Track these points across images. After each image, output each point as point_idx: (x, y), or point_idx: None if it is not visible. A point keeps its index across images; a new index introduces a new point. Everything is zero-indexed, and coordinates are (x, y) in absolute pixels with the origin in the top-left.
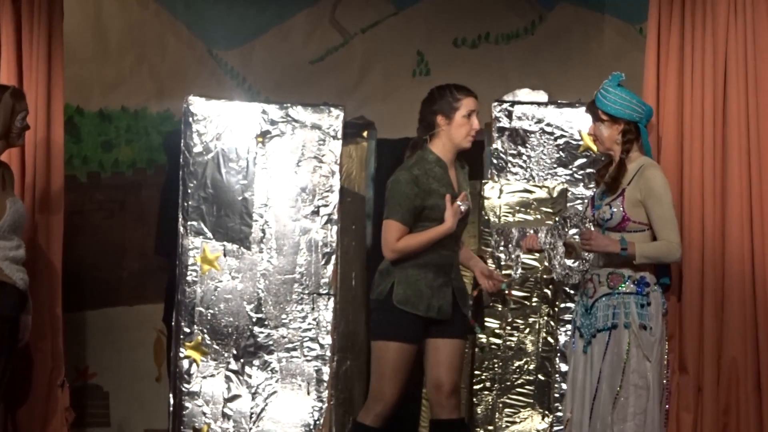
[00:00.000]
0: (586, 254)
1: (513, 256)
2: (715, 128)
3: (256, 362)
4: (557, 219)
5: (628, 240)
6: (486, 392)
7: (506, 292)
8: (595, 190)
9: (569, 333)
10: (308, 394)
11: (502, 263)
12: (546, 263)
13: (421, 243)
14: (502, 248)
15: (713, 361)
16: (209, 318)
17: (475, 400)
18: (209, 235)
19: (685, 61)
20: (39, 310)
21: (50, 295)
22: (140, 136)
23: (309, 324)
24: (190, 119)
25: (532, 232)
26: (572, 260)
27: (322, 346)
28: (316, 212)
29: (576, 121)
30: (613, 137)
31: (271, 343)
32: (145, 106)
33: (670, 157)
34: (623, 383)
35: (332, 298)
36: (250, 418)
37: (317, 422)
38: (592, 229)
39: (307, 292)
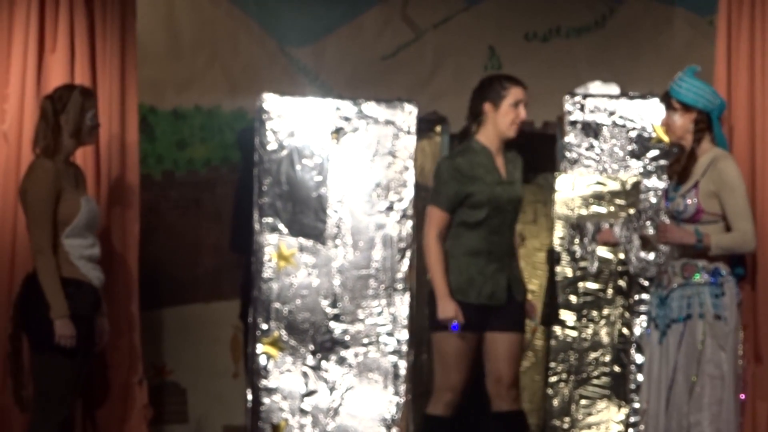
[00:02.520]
0: (662, 246)
1: (588, 249)
2: None
3: (333, 357)
4: (632, 212)
5: (703, 232)
6: (562, 384)
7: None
8: (668, 182)
9: (644, 324)
10: (385, 388)
11: (577, 257)
12: (622, 256)
13: (431, 269)
14: (577, 242)
15: None
16: (286, 314)
17: (550, 392)
18: (284, 231)
19: (756, 53)
20: (115, 308)
21: (127, 293)
22: (214, 135)
23: (385, 319)
24: (264, 116)
25: (607, 225)
26: (648, 253)
27: (398, 341)
28: (390, 208)
29: (648, 113)
30: (685, 126)
31: (347, 338)
32: (218, 105)
33: (742, 148)
34: (699, 373)
35: (408, 293)
36: (328, 413)
37: (395, 417)
38: (667, 221)
39: (383, 287)
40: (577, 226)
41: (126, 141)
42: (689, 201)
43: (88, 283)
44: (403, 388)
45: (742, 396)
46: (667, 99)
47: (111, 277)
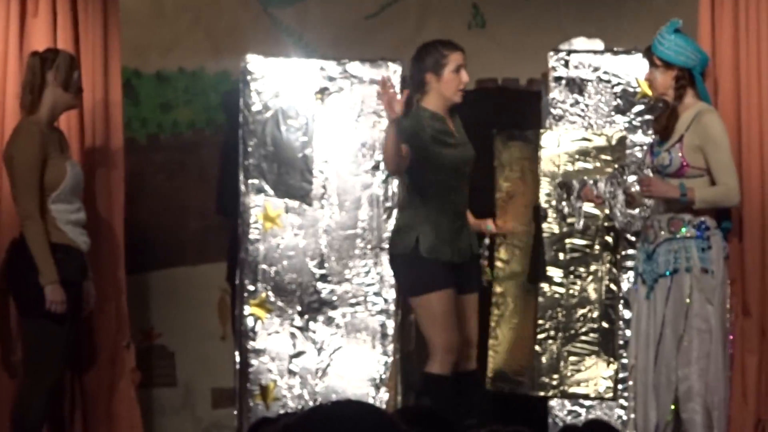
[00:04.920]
0: (647, 201)
1: (576, 206)
2: None
3: (321, 318)
4: (616, 167)
5: (687, 186)
6: (550, 341)
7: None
8: (653, 137)
9: (632, 280)
10: (373, 348)
11: (565, 214)
12: (607, 212)
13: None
14: (564, 201)
15: None
16: (272, 275)
17: (539, 349)
18: (270, 192)
19: (740, 9)
20: (102, 272)
21: (112, 258)
22: (198, 97)
23: (372, 278)
24: (248, 78)
25: (591, 182)
26: (633, 208)
27: (386, 300)
28: (376, 167)
29: (633, 69)
30: (666, 82)
31: (335, 298)
32: (202, 67)
33: (727, 103)
34: (686, 327)
35: None
36: (316, 373)
37: (383, 376)
38: (651, 175)
39: (369, 246)
40: (563, 184)
41: (110, 104)
42: (674, 155)
43: (76, 248)
44: (390, 347)
45: (730, 350)
46: (649, 55)
47: (97, 241)
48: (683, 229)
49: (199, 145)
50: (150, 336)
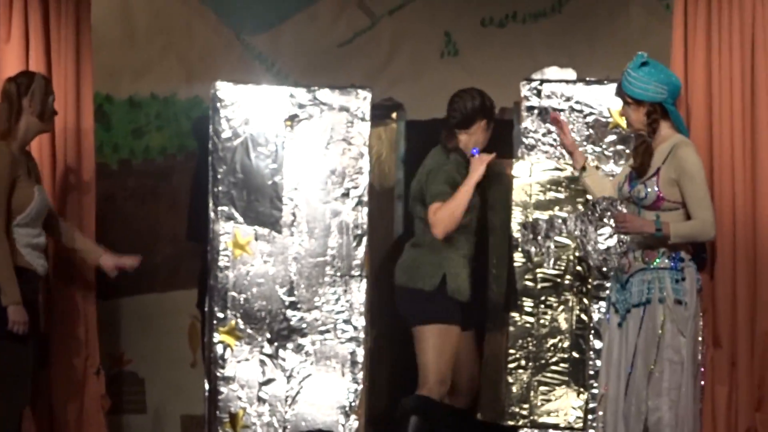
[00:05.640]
0: (624, 237)
1: (543, 247)
2: (744, 103)
3: (290, 345)
4: (587, 205)
5: (663, 219)
6: (521, 371)
7: None
8: (630, 166)
9: (603, 310)
10: (343, 375)
11: (533, 257)
12: (581, 250)
13: (458, 201)
14: (531, 241)
15: (747, 335)
16: (242, 302)
17: (510, 378)
18: (240, 219)
19: (713, 37)
20: (73, 298)
21: (84, 283)
22: (170, 123)
23: (342, 306)
24: (218, 104)
25: (560, 221)
26: (608, 245)
27: (355, 328)
28: (346, 194)
29: (604, 99)
30: (639, 119)
31: (304, 326)
32: (175, 92)
33: (700, 133)
34: (658, 358)
35: (364, 280)
36: (286, 401)
37: (353, 404)
38: (624, 210)
39: (339, 274)
40: (529, 225)
41: (81, 129)
42: (650, 188)
43: (33, 270)
44: (360, 375)
45: (702, 382)
46: (620, 93)
47: (67, 266)
48: (657, 260)
49: (170, 170)
50: (120, 362)
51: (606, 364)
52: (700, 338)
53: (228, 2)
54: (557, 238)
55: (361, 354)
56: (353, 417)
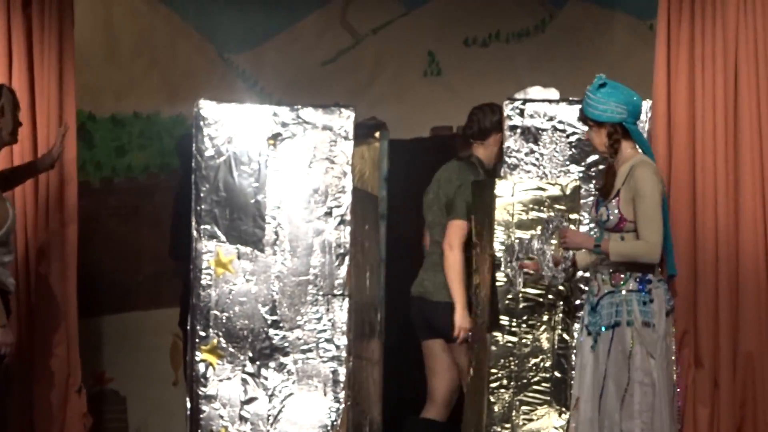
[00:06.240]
0: (569, 254)
1: (516, 269)
2: (727, 124)
3: (272, 364)
4: (542, 223)
5: (603, 237)
6: (503, 390)
7: None
8: (595, 189)
9: None
10: (325, 395)
11: (511, 276)
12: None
13: (455, 280)
14: (509, 263)
15: (729, 355)
16: (224, 321)
17: (492, 398)
18: (222, 238)
19: (696, 57)
20: (54, 316)
21: (65, 301)
22: (153, 141)
23: (324, 325)
24: (201, 123)
25: (527, 241)
26: (557, 264)
27: (337, 347)
28: (329, 213)
29: None
30: (601, 141)
31: (286, 345)
32: (158, 111)
33: (682, 153)
34: (629, 381)
35: (347, 299)
36: (268, 420)
37: (334, 423)
38: (572, 227)
39: (321, 293)
40: (506, 249)
41: (64, 148)
42: (611, 210)
43: (6, 290)
44: (342, 394)
45: (679, 403)
46: (582, 116)
47: (48, 284)
48: (625, 283)
49: (153, 189)
50: (102, 380)
51: (578, 385)
52: (673, 358)
53: (211, 21)
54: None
55: (342, 373)
56: None
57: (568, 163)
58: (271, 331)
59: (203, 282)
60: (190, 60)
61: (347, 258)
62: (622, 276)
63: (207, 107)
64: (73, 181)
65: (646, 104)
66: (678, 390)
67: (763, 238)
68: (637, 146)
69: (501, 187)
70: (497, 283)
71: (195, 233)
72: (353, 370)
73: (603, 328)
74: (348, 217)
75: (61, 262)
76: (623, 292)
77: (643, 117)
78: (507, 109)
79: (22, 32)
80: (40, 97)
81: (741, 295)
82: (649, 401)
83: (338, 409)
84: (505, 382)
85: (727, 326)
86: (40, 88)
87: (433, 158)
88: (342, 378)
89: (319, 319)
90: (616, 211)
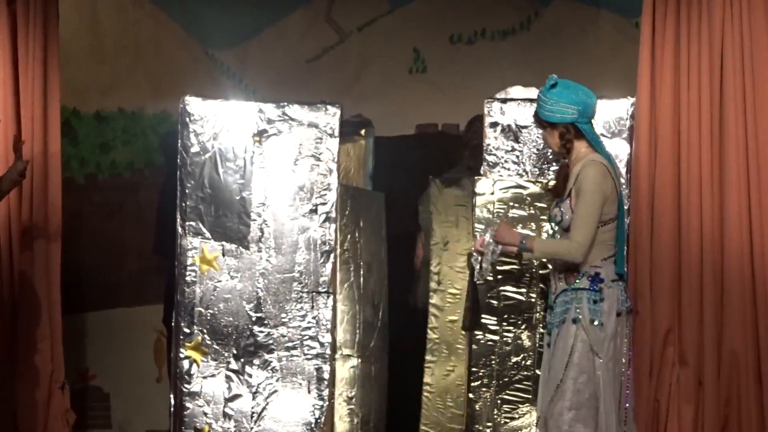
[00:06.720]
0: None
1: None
2: (712, 122)
3: (257, 361)
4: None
5: (530, 235)
6: (484, 389)
7: None
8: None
9: None
10: (309, 392)
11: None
12: (543, 260)
13: None
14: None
15: (713, 353)
16: (209, 318)
17: (473, 396)
18: (207, 235)
19: (681, 55)
20: (38, 312)
21: (49, 298)
22: (137, 138)
23: (309, 322)
24: (187, 119)
25: (485, 233)
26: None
27: (322, 345)
28: (314, 211)
29: None
30: (555, 141)
31: (271, 342)
32: (142, 107)
33: (666, 151)
34: (564, 377)
35: (331, 296)
36: (251, 417)
37: (318, 420)
38: (505, 224)
39: (306, 290)
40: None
41: (48, 144)
42: (564, 210)
43: None
44: (326, 392)
45: (627, 405)
46: (535, 118)
47: (32, 280)
48: (578, 281)
49: (137, 186)
50: (85, 377)
51: (541, 383)
52: (625, 360)
53: (196, 18)
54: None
55: (327, 371)
56: None
57: (548, 161)
58: (256, 328)
59: (188, 279)
60: (174, 57)
61: (332, 255)
62: (576, 275)
63: (193, 103)
64: (57, 177)
65: (623, 102)
66: (628, 392)
67: (748, 236)
68: (592, 146)
69: (481, 184)
70: (478, 282)
71: (180, 230)
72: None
73: (555, 325)
74: (333, 215)
75: (44, 259)
76: (576, 290)
77: (624, 115)
78: (487, 107)
79: (7, 28)
80: (25, 93)
81: (725, 293)
82: (582, 399)
83: (322, 406)
84: (486, 380)
85: (712, 324)
86: (25, 85)
87: (418, 155)
88: (326, 375)
89: (304, 317)
90: (570, 210)
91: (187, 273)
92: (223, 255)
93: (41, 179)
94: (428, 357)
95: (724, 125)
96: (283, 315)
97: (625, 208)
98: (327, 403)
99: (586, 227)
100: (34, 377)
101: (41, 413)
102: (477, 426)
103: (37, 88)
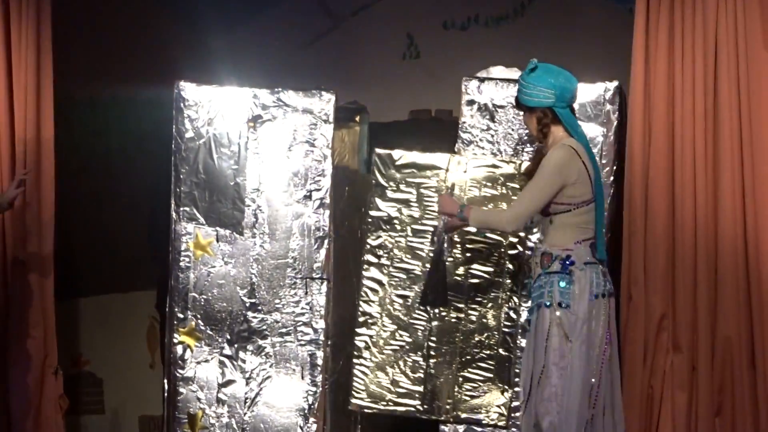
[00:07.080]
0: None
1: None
2: (706, 109)
3: (250, 347)
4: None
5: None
6: (446, 366)
7: None
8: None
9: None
10: (302, 378)
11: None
12: (512, 239)
13: None
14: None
15: (707, 340)
16: (202, 303)
17: (434, 372)
18: (201, 220)
19: (675, 42)
20: (31, 298)
21: (42, 284)
22: (131, 124)
23: (302, 308)
24: (181, 105)
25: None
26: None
27: (315, 331)
28: (308, 197)
29: None
30: (534, 126)
31: (264, 327)
32: (136, 94)
33: (660, 139)
34: (546, 363)
35: (325, 283)
36: (245, 402)
37: (312, 406)
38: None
39: (300, 276)
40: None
41: (42, 130)
42: None
43: None
44: (320, 378)
45: (597, 390)
46: (516, 103)
47: (26, 266)
48: (551, 264)
49: (130, 171)
50: (78, 363)
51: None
52: (602, 345)
53: (190, 3)
54: (490, 235)
55: (320, 356)
56: (312, 419)
57: (523, 142)
58: (250, 314)
59: (182, 264)
60: (168, 42)
61: (326, 241)
62: (549, 257)
63: (187, 89)
64: (51, 163)
65: (599, 86)
66: (601, 377)
67: (742, 224)
68: (568, 131)
69: (454, 162)
70: (447, 259)
71: (174, 215)
72: (332, 353)
73: (533, 311)
74: (327, 201)
75: (38, 245)
76: (549, 274)
77: (601, 99)
78: (465, 85)
79: (0, 14)
80: (18, 79)
81: (719, 280)
82: (565, 383)
83: (315, 392)
84: (448, 357)
85: (706, 311)
86: (18, 71)
87: (412, 141)
88: (320, 361)
89: (298, 303)
90: None
91: (181, 258)
92: (217, 240)
93: (35, 165)
94: (363, 330)
95: (718, 112)
96: (277, 301)
97: (606, 192)
98: (320, 389)
99: (528, 200)
100: (27, 363)
101: (34, 398)
102: (437, 402)
103: (31, 75)
